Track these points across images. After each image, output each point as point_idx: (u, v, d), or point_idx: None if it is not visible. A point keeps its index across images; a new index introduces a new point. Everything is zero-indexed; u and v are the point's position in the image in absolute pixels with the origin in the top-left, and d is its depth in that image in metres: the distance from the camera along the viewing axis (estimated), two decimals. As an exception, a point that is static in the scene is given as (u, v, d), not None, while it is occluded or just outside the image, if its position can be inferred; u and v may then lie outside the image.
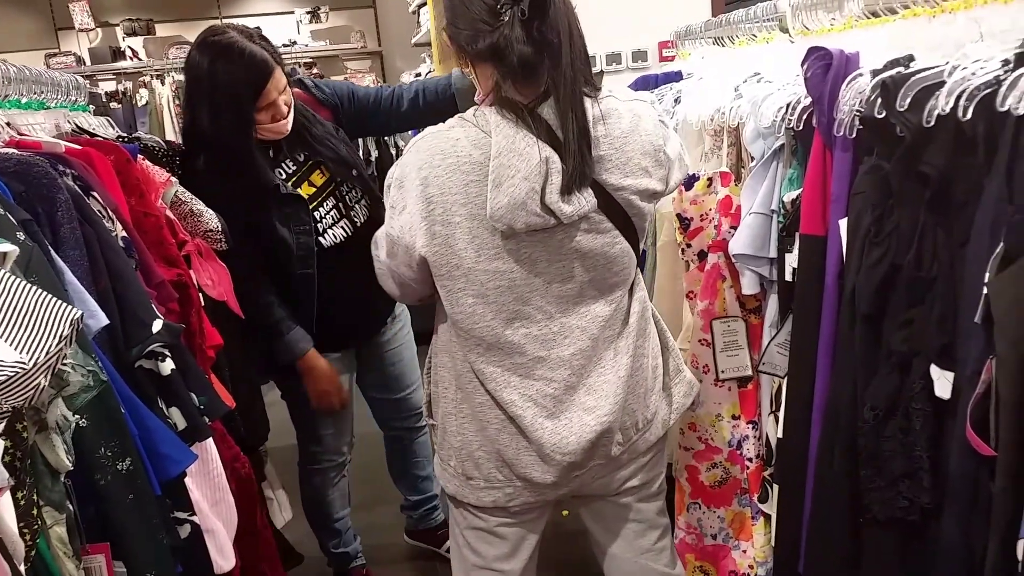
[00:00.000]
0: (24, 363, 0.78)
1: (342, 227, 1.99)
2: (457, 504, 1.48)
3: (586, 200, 1.23)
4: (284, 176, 1.94)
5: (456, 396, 1.38)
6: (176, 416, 1.31)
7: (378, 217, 1.97)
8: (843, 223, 1.32)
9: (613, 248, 1.30)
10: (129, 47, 5.57)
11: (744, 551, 1.83)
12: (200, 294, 1.68)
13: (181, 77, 4.15)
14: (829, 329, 1.38)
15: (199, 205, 1.85)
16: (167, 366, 1.29)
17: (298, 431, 2.23)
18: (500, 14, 1.19)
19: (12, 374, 0.76)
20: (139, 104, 4.00)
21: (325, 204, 1.98)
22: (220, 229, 1.87)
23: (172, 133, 3.82)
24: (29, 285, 0.85)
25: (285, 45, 4.96)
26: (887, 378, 1.21)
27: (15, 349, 0.79)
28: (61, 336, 0.82)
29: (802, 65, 1.38)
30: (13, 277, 0.85)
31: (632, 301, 1.38)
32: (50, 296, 0.85)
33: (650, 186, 1.30)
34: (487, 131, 1.22)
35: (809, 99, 1.39)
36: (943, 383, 1.14)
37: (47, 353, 0.80)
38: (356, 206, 2.02)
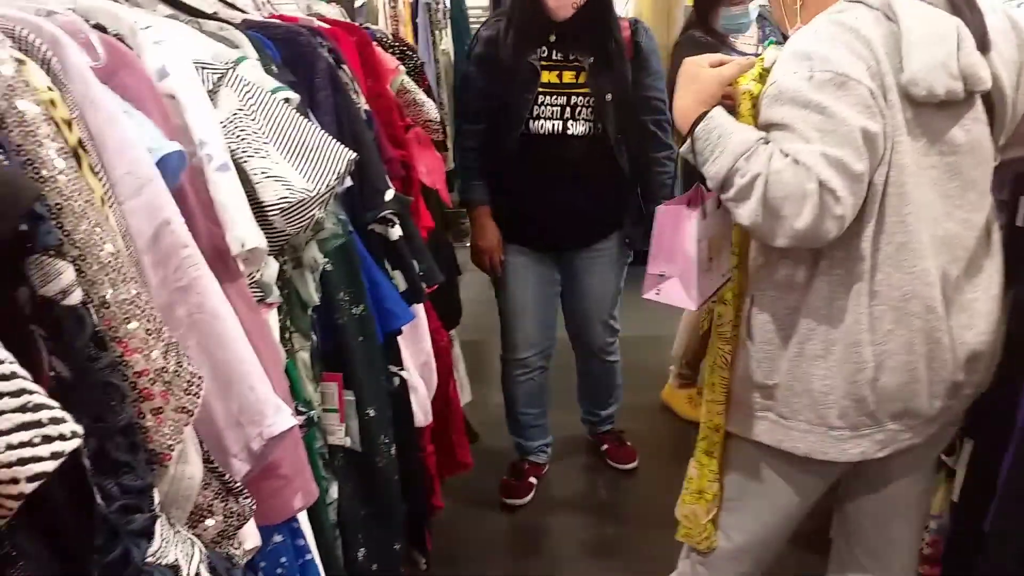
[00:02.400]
0: (310, 190, 0.88)
1: (552, 124, 2.11)
2: (784, 458, 1.37)
3: (989, 70, 1.17)
4: (545, 55, 2.11)
5: (828, 337, 1.25)
6: (399, 279, 1.42)
7: (596, 143, 2.12)
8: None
9: (990, 143, 1.23)
10: (348, -48, 5.80)
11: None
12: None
13: (397, -19, 4.29)
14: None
15: (422, 96, 1.96)
16: (396, 232, 1.41)
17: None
18: None
19: (302, 198, 0.87)
20: (357, 4, 4.19)
21: (552, 98, 2.11)
22: (439, 120, 1.97)
23: (385, 31, 3.98)
24: (313, 124, 0.95)
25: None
26: None
27: (303, 177, 0.89)
28: (339, 173, 0.92)
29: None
30: (300, 117, 0.95)
31: (992, 215, 1.28)
32: (330, 136, 0.95)
33: (1018, 84, 1.24)
34: (877, 6, 1.17)
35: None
36: None
37: (328, 185, 0.90)
38: (579, 120, 2.12)
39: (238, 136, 0.84)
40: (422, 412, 1.51)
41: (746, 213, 1.17)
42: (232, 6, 1.48)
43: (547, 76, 2.11)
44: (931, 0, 1.17)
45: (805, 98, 1.11)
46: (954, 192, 1.21)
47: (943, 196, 1.21)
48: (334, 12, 2.15)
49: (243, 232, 0.79)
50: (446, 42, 3.96)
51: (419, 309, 1.53)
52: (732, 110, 1.27)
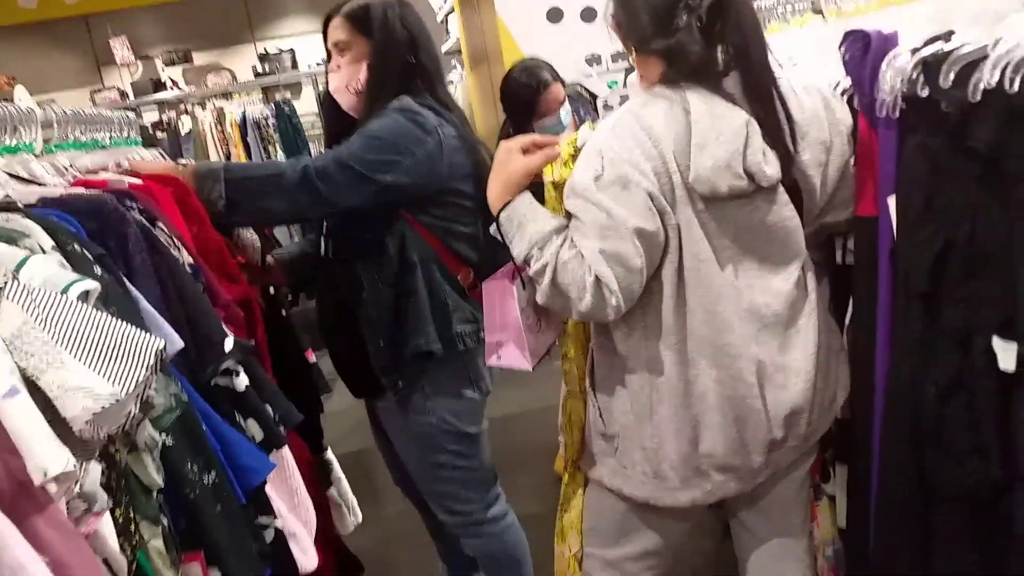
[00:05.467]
0: (117, 394, 0.82)
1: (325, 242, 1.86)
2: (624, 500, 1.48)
3: (778, 166, 1.25)
4: None
5: (652, 399, 1.36)
6: (253, 428, 1.36)
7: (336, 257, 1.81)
8: (891, 200, 1.32)
9: (791, 222, 1.31)
10: (169, 78, 5.73)
11: (810, 533, 1.83)
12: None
13: (222, 103, 4.28)
14: (886, 309, 1.38)
15: (247, 232, 1.91)
16: (242, 381, 1.35)
17: None
18: (675, 17, 1.23)
19: (108, 405, 0.81)
20: (183, 132, 4.13)
21: None
22: (257, 247, 1.92)
23: (216, 157, 3.93)
24: (114, 319, 0.90)
25: (318, 64, 5.06)
26: (947, 355, 1.21)
27: (107, 381, 0.84)
28: (148, 366, 0.87)
29: (840, 48, 1.38)
30: (99, 313, 0.90)
31: (808, 277, 1.37)
32: (135, 328, 0.90)
33: (827, 161, 1.33)
34: (677, 101, 1.24)
35: (849, 81, 1.39)
36: (1007, 355, 1.13)
37: (137, 383, 0.85)
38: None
39: (26, 352, 0.78)
40: (305, 556, 1.43)
41: (540, 292, 1.32)
42: (28, 180, 1.41)
43: None
44: (730, 91, 1.25)
45: (592, 197, 1.24)
46: (751, 268, 1.32)
47: (741, 273, 1.32)
48: (150, 156, 2.09)
49: (44, 460, 0.73)
50: (279, 156, 3.96)
51: (283, 450, 1.47)
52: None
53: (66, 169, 1.55)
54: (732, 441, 1.34)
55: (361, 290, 1.76)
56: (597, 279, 1.24)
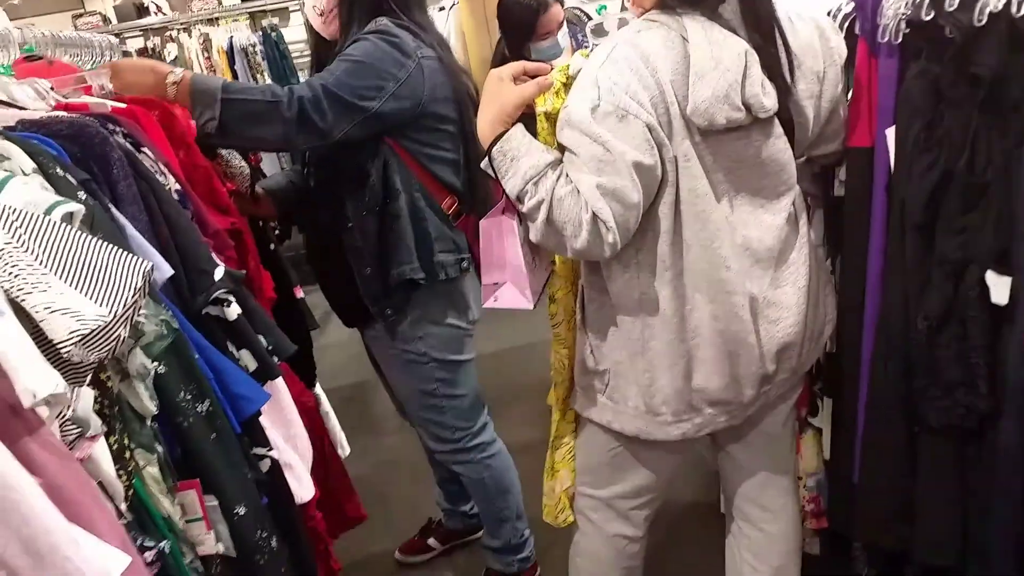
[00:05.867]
0: (105, 316, 0.81)
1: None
2: (617, 436, 1.48)
3: (775, 97, 1.21)
4: None
5: (644, 334, 1.33)
6: (246, 358, 1.35)
7: (320, 186, 1.81)
8: (890, 132, 1.30)
9: (784, 155, 1.28)
10: (153, 2, 5.55)
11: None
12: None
13: (208, 30, 4.15)
14: (879, 241, 1.38)
15: (236, 159, 1.87)
16: (233, 311, 1.33)
17: None
18: None
19: (96, 327, 0.80)
20: (168, 59, 4.02)
21: None
22: (246, 175, 1.88)
23: (204, 85, 3.83)
24: (99, 241, 0.88)
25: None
26: (941, 287, 1.21)
27: (95, 303, 0.82)
28: (136, 288, 0.85)
29: (844, -30, 1.34)
30: (83, 235, 0.88)
31: (798, 210, 1.35)
32: (121, 250, 0.88)
33: (820, 92, 1.29)
34: (675, 28, 1.19)
35: (851, 5, 1.35)
36: (1000, 288, 1.14)
37: (125, 305, 0.83)
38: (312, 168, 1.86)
39: (10, 274, 0.77)
40: (301, 487, 1.44)
41: (534, 230, 1.27)
42: (7, 104, 1.37)
43: None
44: (728, 19, 1.20)
45: (588, 129, 1.18)
46: (744, 202, 1.30)
47: (736, 207, 1.29)
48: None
49: (32, 381, 0.72)
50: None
51: (277, 382, 1.47)
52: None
53: (47, 92, 1.51)
54: (725, 376, 1.33)
55: (346, 218, 1.74)
56: (594, 216, 1.19)
